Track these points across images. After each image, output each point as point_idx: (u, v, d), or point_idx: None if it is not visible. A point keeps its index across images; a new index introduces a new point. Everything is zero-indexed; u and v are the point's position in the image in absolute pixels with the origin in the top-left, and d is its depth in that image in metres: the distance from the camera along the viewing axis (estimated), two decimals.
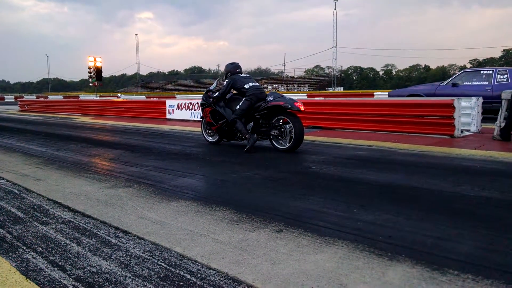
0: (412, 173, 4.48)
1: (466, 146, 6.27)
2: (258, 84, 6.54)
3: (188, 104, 12.97)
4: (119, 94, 35.97)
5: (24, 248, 2.49)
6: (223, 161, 5.55)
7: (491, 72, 10.28)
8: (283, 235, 2.63)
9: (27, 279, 2.07)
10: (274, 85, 57.76)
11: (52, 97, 41.29)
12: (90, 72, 34.55)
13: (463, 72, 11.16)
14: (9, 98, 52.69)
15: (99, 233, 2.74)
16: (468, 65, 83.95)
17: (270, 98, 6.12)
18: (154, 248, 2.45)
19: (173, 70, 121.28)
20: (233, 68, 6.66)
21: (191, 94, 44.48)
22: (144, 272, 2.12)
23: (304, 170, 4.78)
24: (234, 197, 3.60)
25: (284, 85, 57.97)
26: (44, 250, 2.45)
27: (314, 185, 4.02)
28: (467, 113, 8.07)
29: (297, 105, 5.80)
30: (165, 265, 2.20)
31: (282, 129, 6.03)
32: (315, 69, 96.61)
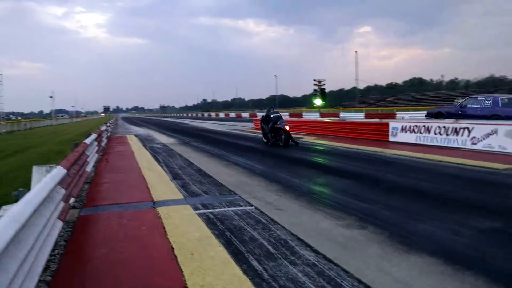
0: None
1: None
2: (278, 114, 13.16)
3: (413, 126, 12.35)
4: (340, 114, 37.43)
5: None
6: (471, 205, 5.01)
7: (482, 98, 14.19)
8: None
9: None
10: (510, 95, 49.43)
11: None
12: (315, 95, 38.99)
13: (469, 97, 15.36)
14: (245, 115, 60.96)
15: (343, 284, 2.84)
16: None
17: (278, 121, 12.68)
18: None
19: (391, 83, 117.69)
20: (268, 111, 13.46)
21: (412, 109, 41.57)
22: None
23: None
24: (490, 260, 3.19)
25: None
26: None
27: None
28: None
29: (286, 127, 12.43)
30: None
31: (279, 136, 12.78)
32: None
